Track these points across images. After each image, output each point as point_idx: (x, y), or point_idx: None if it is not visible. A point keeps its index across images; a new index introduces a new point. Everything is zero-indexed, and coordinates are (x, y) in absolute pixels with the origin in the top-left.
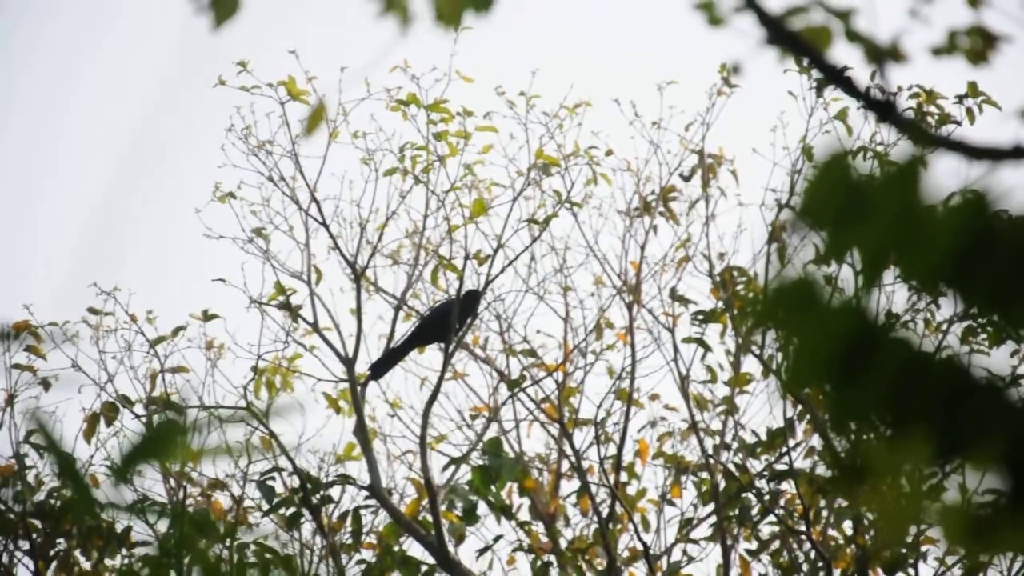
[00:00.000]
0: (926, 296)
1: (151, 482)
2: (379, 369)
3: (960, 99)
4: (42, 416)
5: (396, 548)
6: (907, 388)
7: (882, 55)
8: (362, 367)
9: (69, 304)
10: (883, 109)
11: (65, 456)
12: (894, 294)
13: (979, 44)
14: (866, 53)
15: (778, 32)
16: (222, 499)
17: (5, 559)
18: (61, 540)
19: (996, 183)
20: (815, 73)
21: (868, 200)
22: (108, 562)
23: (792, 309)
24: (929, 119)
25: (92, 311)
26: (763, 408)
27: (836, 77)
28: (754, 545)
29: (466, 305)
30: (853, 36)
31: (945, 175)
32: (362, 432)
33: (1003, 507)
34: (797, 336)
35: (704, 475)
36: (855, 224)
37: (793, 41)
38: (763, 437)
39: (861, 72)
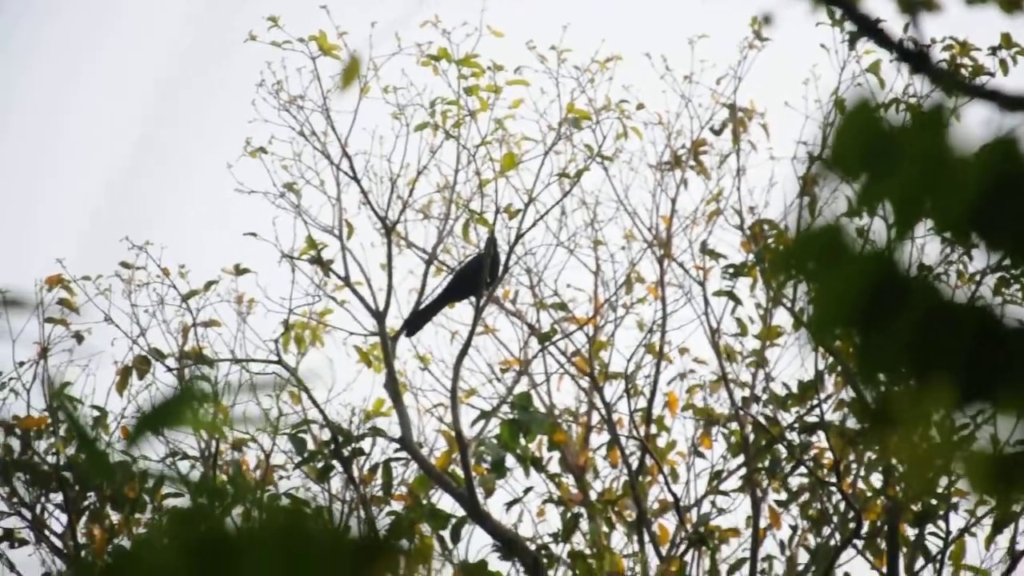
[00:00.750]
0: (958, 247)
1: (182, 435)
2: (413, 326)
3: (994, 51)
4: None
5: (425, 500)
6: (934, 335)
7: (915, 4)
8: (393, 321)
9: (101, 258)
10: (916, 60)
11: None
12: (926, 246)
13: None
14: (899, 3)
15: None
16: (251, 455)
17: (39, 511)
18: (92, 493)
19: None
20: (848, 26)
21: (896, 147)
22: (138, 515)
23: (818, 257)
24: (963, 71)
25: (125, 265)
26: (793, 361)
27: (869, 28)
28: (783, 496)
29: (490, 252)
30: None
31: (979, 125)
32: (393, 385)
33: None
34: (823, 283)
35: (734, 427)
36: (883, 172)
37: None
38: (793, 389)
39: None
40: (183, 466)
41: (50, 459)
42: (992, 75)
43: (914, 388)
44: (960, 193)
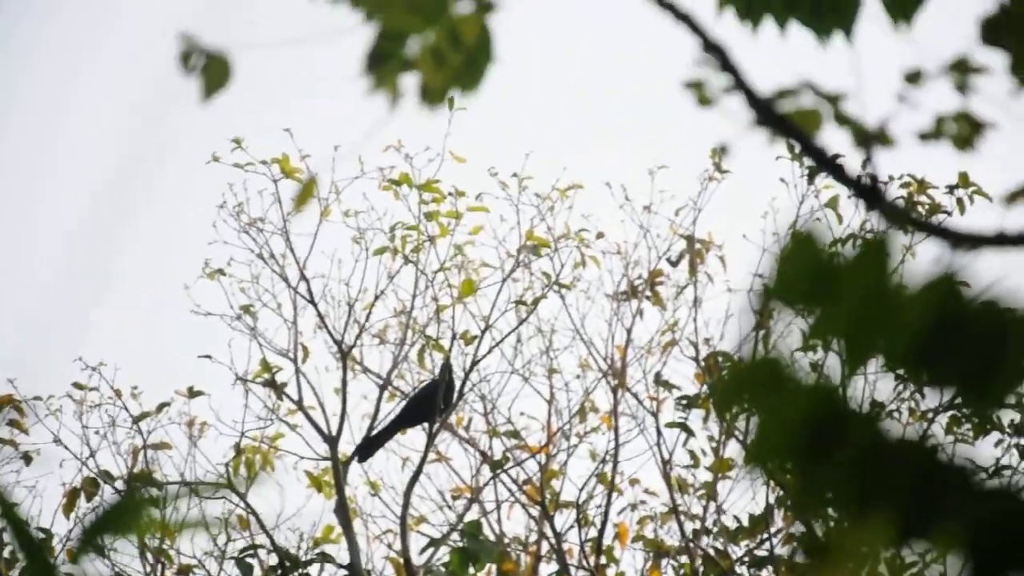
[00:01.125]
0: (910, 384)
1: (128, 558)
2: (365, 452)
3: (951, 189)
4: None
5: None
6: (873, 469)
7: (870, 139)
8: (345, 446)
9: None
10: (871, 196)
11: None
12: (878, 382)
13: (966, 130)
14: (854, 137)
15: (767, 114)
16: None
17: None
18: None
19: (966, 266)
20: (806, 160)
21: (838, 280)
22: None
23: (759, 388)
24: (920, 209)
25: (77, 386)
26: (744, 494)
27: (825, 162)
28: None
29: (445, 379)
30: (842, 120)
31: (930, 262)
32: (343, 511)
33: None
34: (764, 415)
35: (684, 559)
36: (826, 305)
37: (782, 124)
38: (744, 523)
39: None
40: None
41: None
42: (949, 214)
43: (854, 524)
44: (903, 329)
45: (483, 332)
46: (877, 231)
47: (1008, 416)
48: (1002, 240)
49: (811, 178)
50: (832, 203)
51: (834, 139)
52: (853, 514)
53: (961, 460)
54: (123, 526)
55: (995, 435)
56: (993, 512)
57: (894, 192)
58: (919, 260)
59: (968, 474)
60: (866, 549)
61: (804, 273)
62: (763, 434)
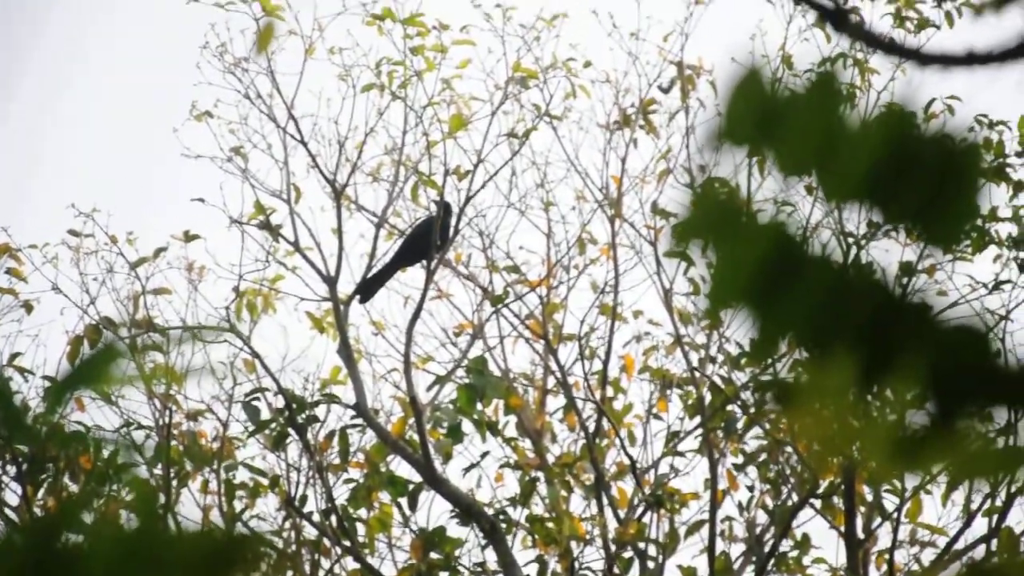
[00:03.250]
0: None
1: (137, 404)
2: (365, 292)
3: (939, 2)
4: None
5: (383, 467)
6: (831, 309)
7: None
8: (345, 286)
9: (48, 225)
10: (837, 19)
11: None
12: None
13: None
14: None
15: None
16: (208, 424)
17: None
18: (49, 465)
19: (916, 96)
20: None
21: (786, 116)
22: (95, 485)
23: (713, 226)
24: (908, 24)
25: (72, 233)
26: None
27: None
28: (741, 460)
29: (442, 217)
30: None
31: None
32: (346, 351)
33: (929, 426)
34: (719, 256)
35: (690, 388)
36: (773, 142)
37: None
38: (747, 349)
39: None
40: (137, 436)
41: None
42: (938, 27)
43: (813, 363)
44: (851, 163)
45: (476, 166)
46: (869, 51)
47: (1006, 230)
48: (971, 59)
49: None
50: (819, 23)
51: None
52: (813, 354)
53: (919, 296)
54: (96, 379)
55: (993, 249)
56: (951, 347)
57: (881, 8)
58: (879, 83)
59: (926, 310)
60: (826, 389)
61: (751, 112)
62: (720, 276)
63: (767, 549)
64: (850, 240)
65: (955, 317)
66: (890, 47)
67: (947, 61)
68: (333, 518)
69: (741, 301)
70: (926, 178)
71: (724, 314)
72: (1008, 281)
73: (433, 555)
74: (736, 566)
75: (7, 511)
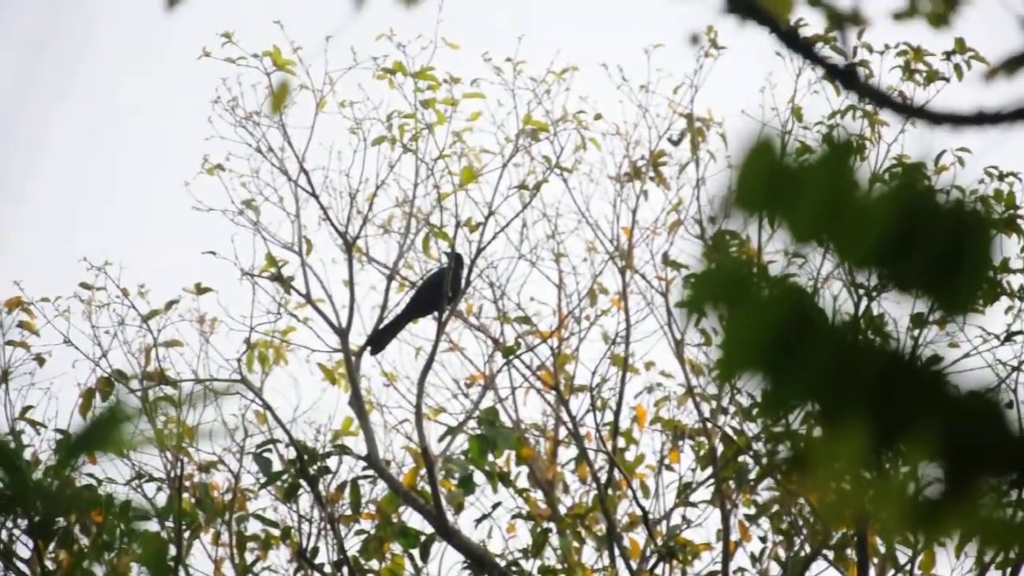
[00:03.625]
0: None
1: (148, 456)
2: (377, 344)
3: (948, 56)
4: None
5: (395, 518)
6: (843, 374)
7: (843, 20)
8: (356, 338)
9: (59, 279)
10: (846, 77)
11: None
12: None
13: (940, 7)
14: (827, 18)
15: (738, 1)
16: (220, 476)
17: (4, 537)
18: (60, 518)
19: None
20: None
21: (798, 186)
22: (106, 538)
23: (724, 293)
24: (917, 77)
25: (84, 286)
26: None
27: (796, 45)
28: (753, 510)
29: (454, 269)
30: (814, 1)
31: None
32: (358, 402)
33: (942, 493)
34: (729, 325)
35: (702, 439)
36: (786, 211)
37: (752, 9)
38: (759, 400)
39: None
40: (149, 489)
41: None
42: (947, 80)
43: (822, 427)
44: (863, 231)
45: (487, 218)
46: (839, 134)
47: (1018, 281)
48: (982, 119)
49: None
50: (828, 76)
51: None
52: (824, 421)
53: (931, 364)
54: (105, 442)
55: (1004, 301)
56: (964, 416)
57: (890, 61)
58: (890, 135)
59: (939, 378)
60: (838, 454)
61: (763, 180)
62: (732, 344)
63: None
64: (860, 292)
65: (968, 379)
66: (900, 107)
67: (958, 120)
68: (345, 570)
69: (753, 369)
70: (938, 246)
71: (736, 380)
72: (1020, 332)
73: None
74: None
75: (19, 564)
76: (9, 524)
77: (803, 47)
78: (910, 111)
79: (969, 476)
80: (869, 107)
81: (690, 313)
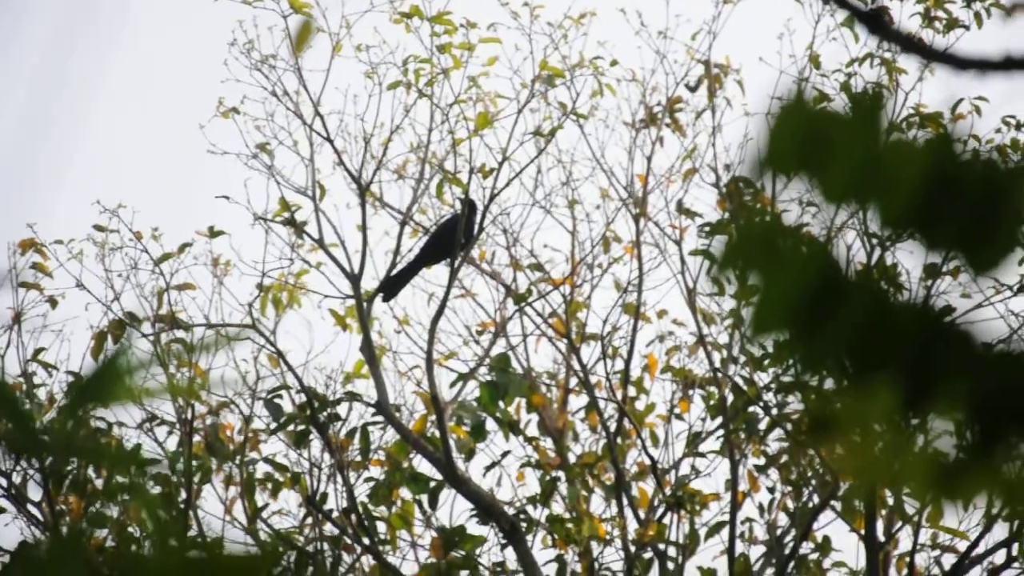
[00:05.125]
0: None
1: (159, 400)
2: (389, 290)
3: (968, 3)
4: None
5: (405, 465)
6: (873, 336)
7: None
8: (368, 283)
9: (72, 222)
10: (871, 21)
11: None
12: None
13: None
14: None
15: None
16: (231, 418)
17: (17, 479)
18: (72, 459)
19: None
20: None
21: (830, 143)
22: (119, 480)
23: (755, 254)
24: (937, 24)
25: (98, 228)
26: None
27: None
28: (762, 461)
29: (467, 215)
30: None
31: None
32: (369, 348)
33: (970, 455)
34: (762, 284)
35: (712, 389)
36: (819, 171)
37: None
38: (770, 349)
39: None
40: (160, 432)
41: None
42: (967, 28)
43: (852, 388)
44: (895, 191)
45: (501, 164)
46: (896, 51)
47: None
48: (1009, 64)
49: None
50: (848, 22)
51: None
52: (856, 382)
53: (963, 324)
54: (113, 393)
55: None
56: (996, 376)
57: (911, 8)
58: (908, 82)
59: (970, 338)
60: (867, 416)
61: (795, 140)
62: (763, 304)
63: (787, 552)
64: (874, 242)
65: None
66: (926, 51)
67: (984, 66)
68: (354, 516)
69: (784, 329)
70: (969, 204)
71: (769, 340)
72: None
73: (453, 554)
74: (756, 568)
75: (30, 507)
76: (20, 467)
77: None
78: (936, 56)
79: (998, 437)
80: (887, 55)
81: (721, 272)
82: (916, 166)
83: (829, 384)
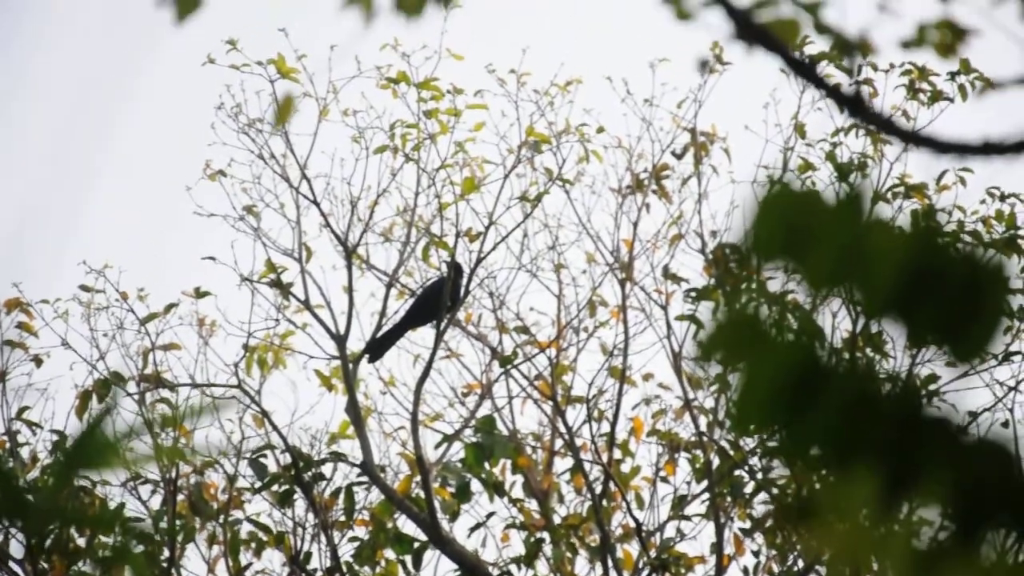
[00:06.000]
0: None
1: (145, 464)
2: (375, 351)
3: (953, 76)
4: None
5: (389, 525)
6: (854, 426)
7: (851, 48)
8: (354, 344)
9: (59, 282)
10: (851, 104)
11: None
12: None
13: (948, 37)
14: (835, 46)
15: (745, 26)
16: (215, 477)
17: None
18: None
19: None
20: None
21: (813, 233)
22: (103, 539)
23: (738, 344)
24: (922, 96)
25: (83, 288)
26: None
27: (803, 71)
28: (748, 524)
29: (453, 278)
30: (822, 29)
31: (918, 165)
32: (354, 409)
33: (950, 543)
34: (743, 371)
35: (698, 452)
36: (801, 261)
37: (760, 35)
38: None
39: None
40: (144, 490)
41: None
42: (951, 100)
43: (834, 475)
44: (878, 282)
45: (487, 228)
46: (852, 183)
47: (1017, 302)
48: (987, 149)
49: None
50: (837, 107)
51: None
52: (837, 469)
53: (944, 412)
54: (96, 461)
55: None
56: (974, 466)
57: (895, 80)
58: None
59: (951, 427)
60: (850, 503)
61: (779, 230)
62: (745, 395)
63: None
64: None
65: (965, 400)
66: (906, 134)
67: (963, 150)
68: None
69: (767, 421)
70: (952, 295)
71: (751, 430)
72: (1019, 352)
73: None
74: None
75: (12, 565)
76: (2, 526)
77: (811, 74)
78: (915, 139)
79: (978, 525)
80: (871, 128)
81: (704, 360)
82: (899, 257)
83: (810, 468)
